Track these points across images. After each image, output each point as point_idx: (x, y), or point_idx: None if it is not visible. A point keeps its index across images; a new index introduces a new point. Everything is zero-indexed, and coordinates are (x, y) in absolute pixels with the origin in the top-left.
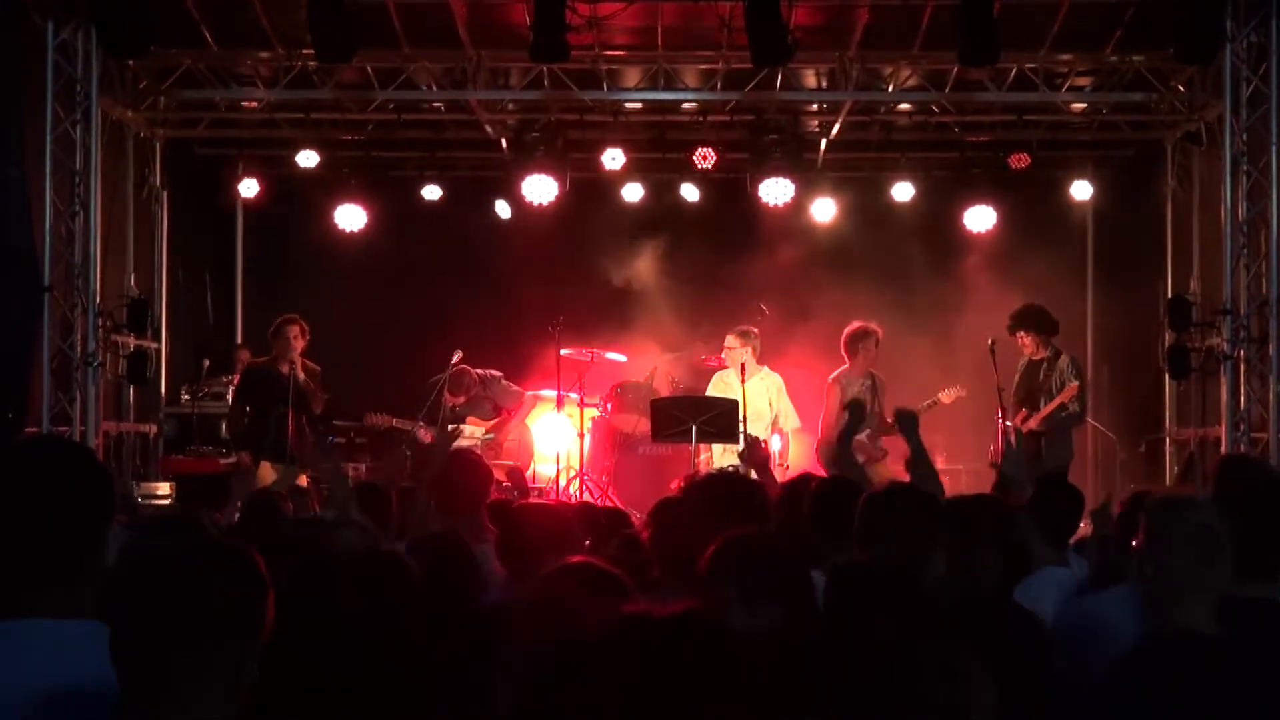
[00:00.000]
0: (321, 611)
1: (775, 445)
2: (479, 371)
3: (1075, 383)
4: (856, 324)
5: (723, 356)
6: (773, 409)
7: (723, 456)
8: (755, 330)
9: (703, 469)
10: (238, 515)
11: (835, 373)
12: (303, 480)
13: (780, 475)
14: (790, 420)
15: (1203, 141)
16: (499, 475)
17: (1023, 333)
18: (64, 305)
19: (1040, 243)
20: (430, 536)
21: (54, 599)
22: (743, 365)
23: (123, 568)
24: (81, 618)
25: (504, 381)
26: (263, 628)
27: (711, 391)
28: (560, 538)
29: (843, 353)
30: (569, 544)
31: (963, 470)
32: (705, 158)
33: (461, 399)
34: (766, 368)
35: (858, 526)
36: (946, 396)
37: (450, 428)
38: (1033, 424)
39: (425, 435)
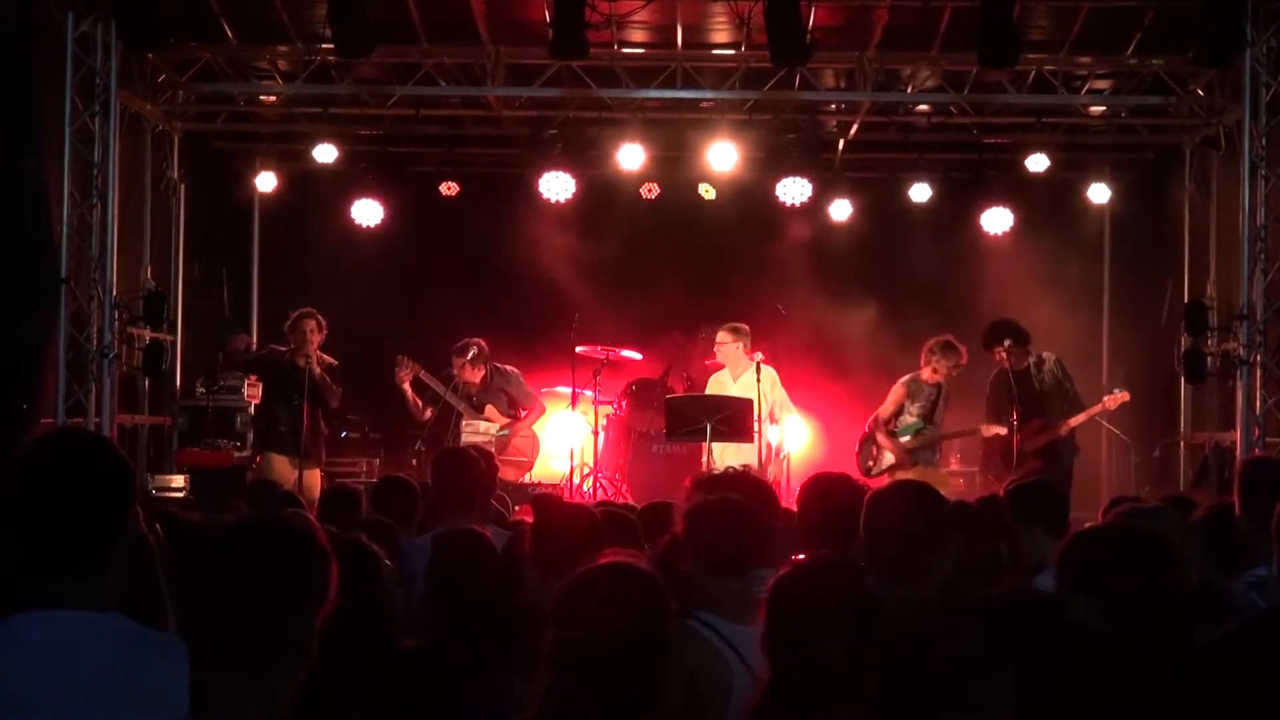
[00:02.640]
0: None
1: (773, 438)
2: (498, 365)
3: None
4: (945, 337)
5: (715, 353)
6: (768, 401)
7: (723, 454)
8: (745, 326)
9: (707, 467)
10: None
11: (908, 375)
12: (316, 475)
13: (779, 467)
14: (786, 409)
15: (1221, 146)
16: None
17: (1000, 347)
18: (80, 297)
19: (1057, 246)
20: (454, 533)
21: (74, 591)
22: (759, 364)
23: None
24: (101, 609)
25: (521, 380)
26: (324, 603)
27: (710, 391)
28: (594, 537)
29: (922, 357)
30: (601, 543)
31: (977, 472)
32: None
33: (476, 377)
34: (758, 361)
35: (862, 525)
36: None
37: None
38: (1073, 422)
39: (439, 389)
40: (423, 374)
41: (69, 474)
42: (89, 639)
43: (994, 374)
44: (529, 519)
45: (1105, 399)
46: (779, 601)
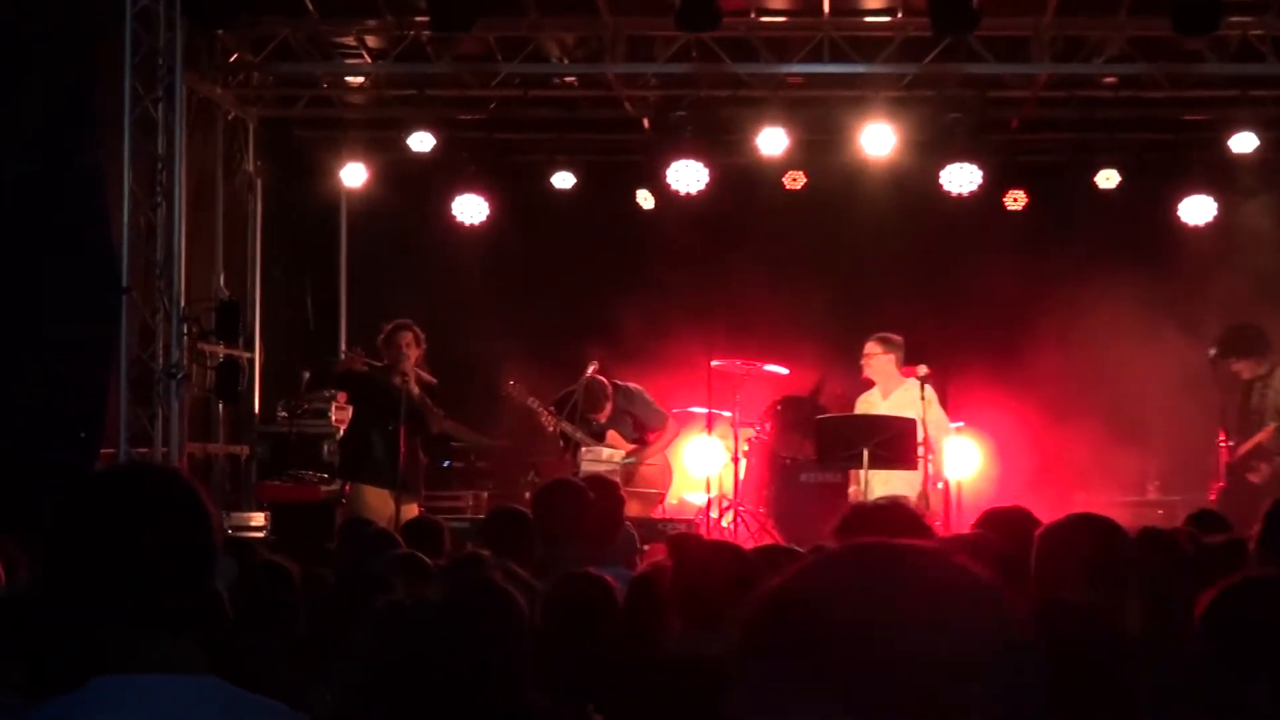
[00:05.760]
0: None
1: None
2: (619, 381)
3: None
4: None
5: (862, 367)
6: (923, 424)
7: (889, 483)
8: (897, 338)
9: (856, 498)
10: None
11: None
12: (414, 509)
13: (939, 496)
14: (943, 430)
15: None
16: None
17: (1235, 359)
18: (144, 309)
19: (1272, 239)
20: (573, 577)
21: (161, 650)
22: (924, 382)
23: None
24: (193, 671)
25: (647, 397)
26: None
27: (857, 412)
28: (746, 579)
29: None
30: (750, 587)
31: (1179, 501)
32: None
33: (602, 415)
34: (912, 377)
35: (1034, 565)
36: None
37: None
38: (1242, 451)
39: (549, 422)
40: (531, 401)
41: (148, 517)
42: (184, 706)
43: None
44: (661, 559)
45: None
46: None
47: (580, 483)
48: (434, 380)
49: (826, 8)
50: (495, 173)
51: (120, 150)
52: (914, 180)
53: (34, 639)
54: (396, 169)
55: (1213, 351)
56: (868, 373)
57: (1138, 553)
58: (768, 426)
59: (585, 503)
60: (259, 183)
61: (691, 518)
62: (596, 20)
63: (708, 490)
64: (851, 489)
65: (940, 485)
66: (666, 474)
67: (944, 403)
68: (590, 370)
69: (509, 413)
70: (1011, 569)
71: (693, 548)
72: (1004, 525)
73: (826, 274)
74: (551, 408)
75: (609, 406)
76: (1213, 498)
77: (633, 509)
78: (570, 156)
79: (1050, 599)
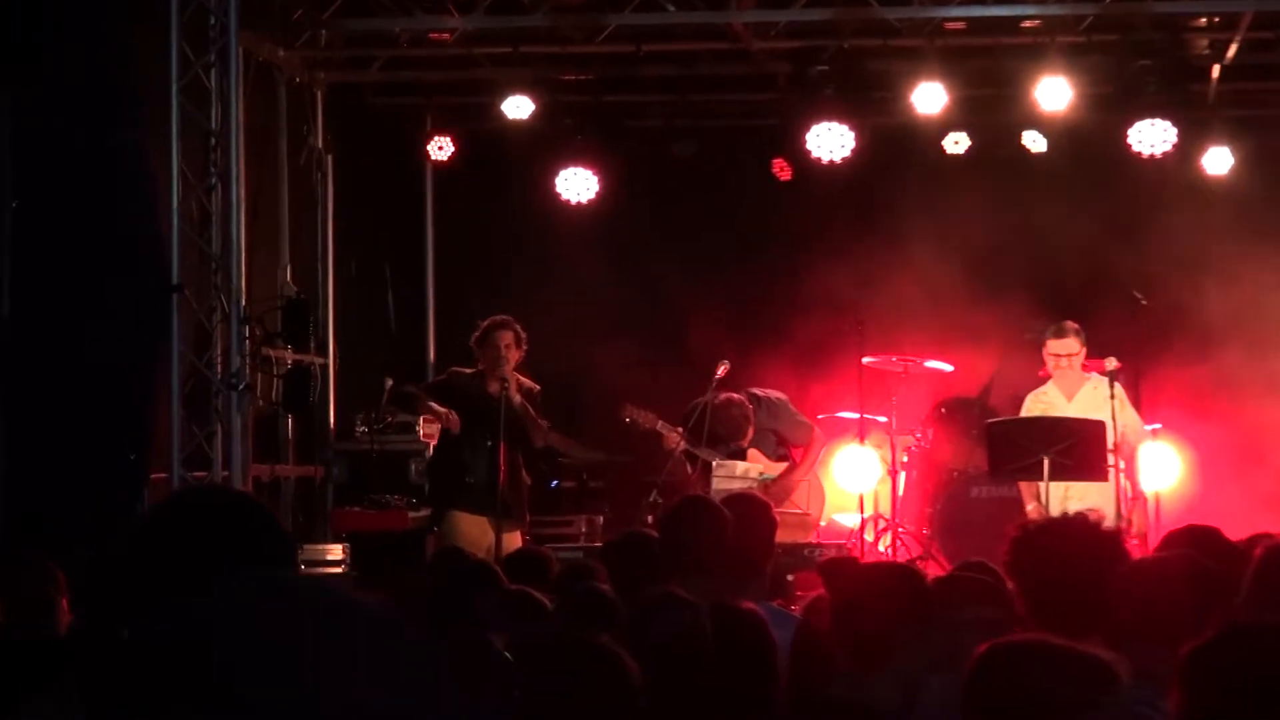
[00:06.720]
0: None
1: (1123, 476)
2: (758, 392)
3: None
4: None
5: (1050, 366)
6: (1116, 426)
7: (1083, 500)
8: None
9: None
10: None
11: None
12: (516, 538)
13: (1138, 513)
14: (1139, 435)
15: None
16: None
17: None
18: (198, 310)
19: None
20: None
21: None
22: (1112, 379)
23: None
24: None
25: (791, 408)
26: None
27: (1029, 414)
28: (919, 602)
29: None
30: (929, 609)
31: None
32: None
33: (745, 440)
34: (1095, 373)
35: (1248, 585)
36: None
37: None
38: None
39: (673, 442)
40: (660, 425)
41: (216, 548)
42: None
43: None
44: (815, 591)
45: None
46: (1201, 674)
47: (715, 502)
48: (537, 387)
49: None
50: (605, 142)
51: (167, 125)
52: (1097, 140)
53: (91, 679)
54: (489, 140)
55: None
56: (1061, 370)
57: None
58: (930, 433)
59: (724, 526)
60: (329, 160)
61: (843, 541)
62: None
63: (861, 509)
64: (1030, 506)
65: (1138, 499)
66: (817, 492)
67: (1136, 402)
68: (719, 373)
69: (625, 424)
70: (1217, 591)
71: (850, 573)
72: (1193, 546)
73: (995, 253)
74: (680, 430)
75: (751, 430)
76: None
77: (779, 535)
78: (692, 121)
79: (1243, 621)
